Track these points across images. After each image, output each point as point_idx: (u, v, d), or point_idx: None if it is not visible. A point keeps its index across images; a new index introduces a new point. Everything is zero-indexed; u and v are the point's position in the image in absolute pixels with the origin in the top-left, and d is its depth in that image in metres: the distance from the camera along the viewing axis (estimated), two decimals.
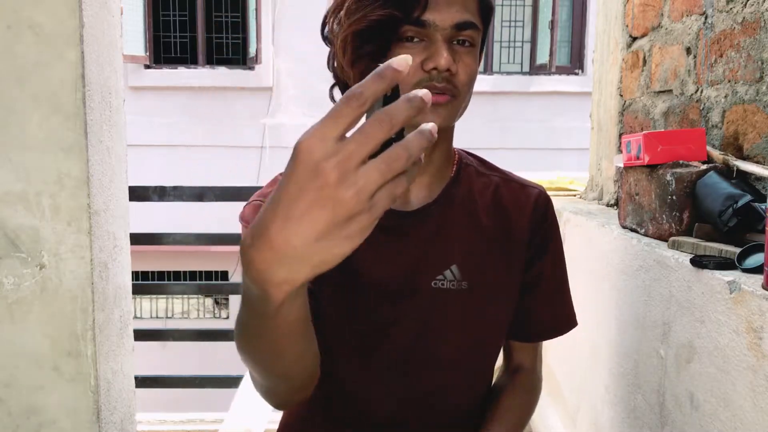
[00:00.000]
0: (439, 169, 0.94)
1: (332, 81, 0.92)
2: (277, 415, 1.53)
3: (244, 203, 1.00)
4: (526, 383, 1.03)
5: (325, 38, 0.89)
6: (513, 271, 0.95)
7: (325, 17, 0.87)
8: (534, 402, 1.04)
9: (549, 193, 1.02)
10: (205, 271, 6.30)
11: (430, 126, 0.45)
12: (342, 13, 0.84)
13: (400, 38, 0.82)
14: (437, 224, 0.93)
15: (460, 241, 0.93)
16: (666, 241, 1.06)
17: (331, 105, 0.49)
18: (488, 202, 0.96)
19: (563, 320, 1.02)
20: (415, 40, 0.82)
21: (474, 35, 0.84)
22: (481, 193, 0.96)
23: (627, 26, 1.56)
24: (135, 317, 3.35)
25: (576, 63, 6.40)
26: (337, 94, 0.91)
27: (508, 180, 0.99)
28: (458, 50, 0.83)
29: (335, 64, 0.89)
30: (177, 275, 6.31)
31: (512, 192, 0.97)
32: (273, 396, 0.77)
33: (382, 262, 0.91)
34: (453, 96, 0.84)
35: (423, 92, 0.44)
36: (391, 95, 0.47)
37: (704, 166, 1.05)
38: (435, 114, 0.83)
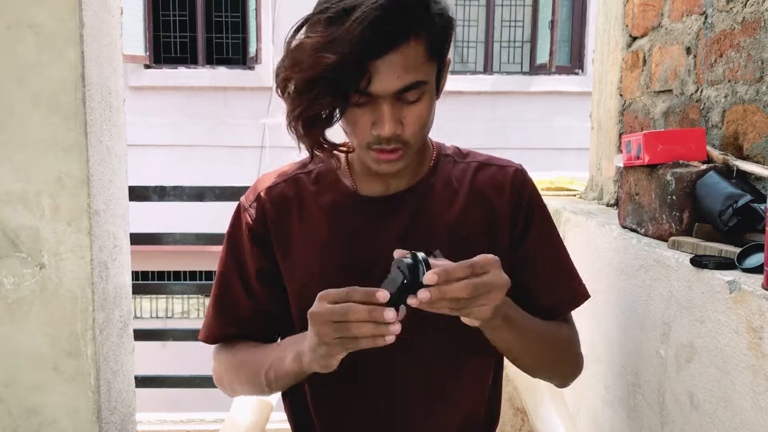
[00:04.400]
0: (416, 165, 0.97)
1: None
2: (277, 416, 1.53)
3: None
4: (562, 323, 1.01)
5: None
6: (497, 252, 0.95)
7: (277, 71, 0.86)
8: (571, 336, 1.02)
9: (549, 193, 1.03)
10: (205, 271, 6.29)
11: (389, 339, 0.75)
12: (286, 93, 0.84)
13: (349, 102, 0.83)
14: (415, 211, 0.95)
15: (441, 228, 0.95)
16: (666, 241, 1.06)
17: None
18: (467, 188, 0.97)
19: (571, 292, 1.01)
20: (362, 102, 0.83)
21: (421, 89, 0.84)
22: (460, 181, 0.98)
23: (627, 26, 1.56)
24: (135, 317, 3.35)
25: (576, 63, 6.40)
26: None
27: (485, 164, 1.00)
28: (405, 106, 0.84)
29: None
30: (177, 275, 6.31)
31: (490, 175, 0.99)
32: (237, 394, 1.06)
33: (360, 247, 0.94)
34: (405, 147, 0.87)
35: (393, 328, 0.74)
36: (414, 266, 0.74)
37: (704, 166, 1.05)
38: (389, 165, 0.88)
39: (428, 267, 0.75)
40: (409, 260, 0.75)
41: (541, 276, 0.98)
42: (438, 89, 0.90)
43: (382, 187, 0.96)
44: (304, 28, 0.84)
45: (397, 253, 0.77)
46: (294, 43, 0.83)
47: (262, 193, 0.99)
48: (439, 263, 0.76)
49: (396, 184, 0.96)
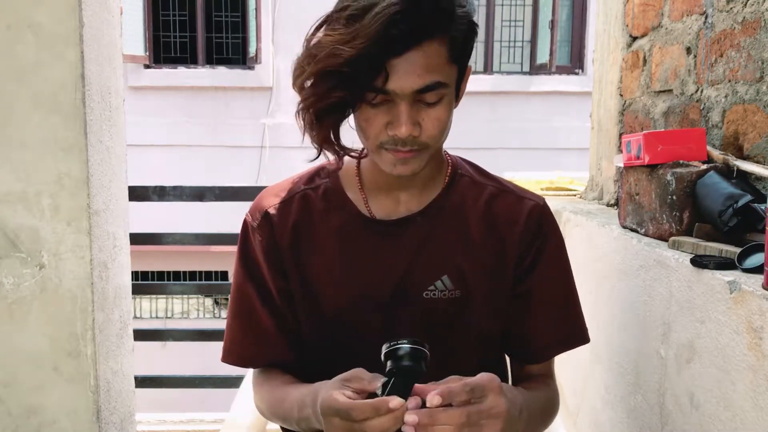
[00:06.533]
0: (428, 180, 0.94)
1: None
2: None
3: (243, 203, 1.00)
4: (543, 385, 0.98)
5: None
6: (503, 282, 0.94)
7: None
8: (555, 399, 1.00)
9: (549, 193, 1.02)
10: (205, 271, 6.29)
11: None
12: (301, 84, 0.83)
13: (364, 99, 0.81)
14: (425, 234, 0.92)
15: (451, 252, 0.92)
16: (666, 241, 1.06)
17: None
18: (480, 212, 0.94)
19: (568, 334, 0.99)
20: (379, 102, 0.81)
21: (441, 91, 0.82)
22: (474, 203, 0.94)
23: (627, 26, 1.56)
24: (135, 317, 3.35)
25: (576, 63, 6.39)
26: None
27: (504, 191, 0.96)
28: (423, 108, 0.82)
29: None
30: (177, 275, 6.30)
31: (507, 204, 0.95)
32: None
33: (369, 269, 0.91)
34: (420, 150, 0.84)
35: (411, 420, 0.70)
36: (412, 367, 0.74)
37: (704, 166, 1.05)
38: (404, 166, 0.85)
39: (426, 360, 0.75)
40: (407, 363, 0.75)
41: (538, 315, 0.95)
42: (457, 96, 0.87)
43: (392, 205, 0.93)
44: (323, 27, 0.83)
45: (385, 347, 0.76)
46: (313, 40, 0.82)
47: (270, 210, 0.95)
48: (434, 388, 0.74)
49: (407, 202, 0.93)
